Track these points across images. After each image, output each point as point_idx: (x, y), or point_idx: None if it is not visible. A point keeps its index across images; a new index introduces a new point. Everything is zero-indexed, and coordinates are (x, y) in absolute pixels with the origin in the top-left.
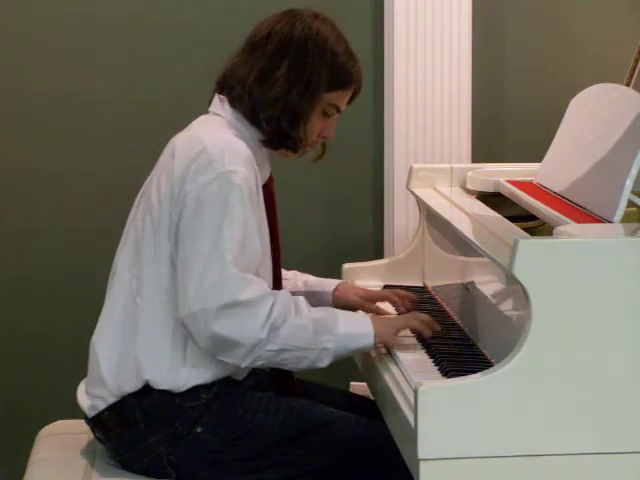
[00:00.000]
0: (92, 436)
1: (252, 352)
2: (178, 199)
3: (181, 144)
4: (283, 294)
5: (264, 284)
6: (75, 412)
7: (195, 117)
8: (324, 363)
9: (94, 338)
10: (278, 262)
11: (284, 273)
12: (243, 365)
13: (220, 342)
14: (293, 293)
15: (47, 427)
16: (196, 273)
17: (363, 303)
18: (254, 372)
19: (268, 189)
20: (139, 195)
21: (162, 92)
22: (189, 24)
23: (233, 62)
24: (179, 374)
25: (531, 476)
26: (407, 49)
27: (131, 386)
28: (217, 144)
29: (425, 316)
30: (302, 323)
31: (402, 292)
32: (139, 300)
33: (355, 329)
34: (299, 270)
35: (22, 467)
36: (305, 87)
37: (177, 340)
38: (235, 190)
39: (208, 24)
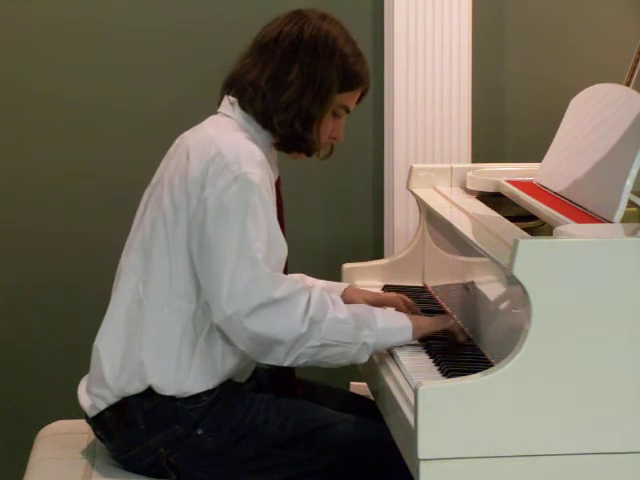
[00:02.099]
0: (92, 436)
1: (294, 349)
2: (198, 204)
3: (194, 147)
4: (317, 290)
5: (297, 281)
6: (75, 412)
7: (197, 122)
8: (364, 358)
9: (97, 339)
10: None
11: (291, 276)
12: (285, 364)
13: (261, 342)
14: None
15: (47, 427)
16: (227, 276)
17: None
18: (254, 372)
19: (276, 190)
20: (146, 196)
21: (164, 97)
22: (192, 29)
23: (243, 64)
24: (184, 381)
25: (531, 476)
26: (407, 49)
27: (134, 389)
28: (232, 147)
29: (457, 324)
30: (343, 317)
31: (409, 301)
32: (146, 303)
33: (393, 323)
34: (298, 270)
35: (22, 467)
36: (318, 90)
37: (184, 346)
38: (255, 190)
39: (211, 28)
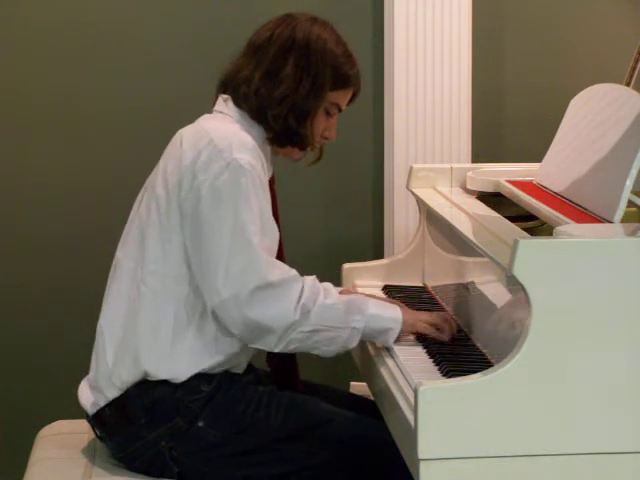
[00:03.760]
0: (92, 436)
1: (285, 335)
2: (191, 191)
3: (188, 136)
4: (310, 278)
5: (290, 268)
6: (75, 412)
7: None
8: (354, 343)
9: (101, 321)
10: (282, 260)
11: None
12: (276, 350)
13: (254, 327)
14: None
15: (47, 427)
16: (223, 260)
17: None
18: (253, 368)
19: (271, 189)
20: (140, 193)
21: (162, 99)
22: (190, 31)
23: (236, 64)
24: (179, 362)
25: (530, 476)
26: (407, 50)
27: (129, 374)
28: (224, 135)
29: (452, 320)
30: (331, 302)
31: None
32: (142, 288)
33: (385, 312)
34: (298, 270)
35: (22, 467)
36: (311, 85)
37: (178, 329)
38: (247, 174)
39: (208, 31)
